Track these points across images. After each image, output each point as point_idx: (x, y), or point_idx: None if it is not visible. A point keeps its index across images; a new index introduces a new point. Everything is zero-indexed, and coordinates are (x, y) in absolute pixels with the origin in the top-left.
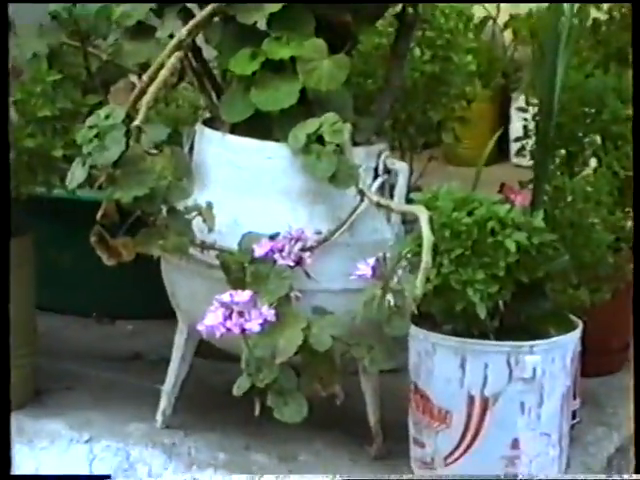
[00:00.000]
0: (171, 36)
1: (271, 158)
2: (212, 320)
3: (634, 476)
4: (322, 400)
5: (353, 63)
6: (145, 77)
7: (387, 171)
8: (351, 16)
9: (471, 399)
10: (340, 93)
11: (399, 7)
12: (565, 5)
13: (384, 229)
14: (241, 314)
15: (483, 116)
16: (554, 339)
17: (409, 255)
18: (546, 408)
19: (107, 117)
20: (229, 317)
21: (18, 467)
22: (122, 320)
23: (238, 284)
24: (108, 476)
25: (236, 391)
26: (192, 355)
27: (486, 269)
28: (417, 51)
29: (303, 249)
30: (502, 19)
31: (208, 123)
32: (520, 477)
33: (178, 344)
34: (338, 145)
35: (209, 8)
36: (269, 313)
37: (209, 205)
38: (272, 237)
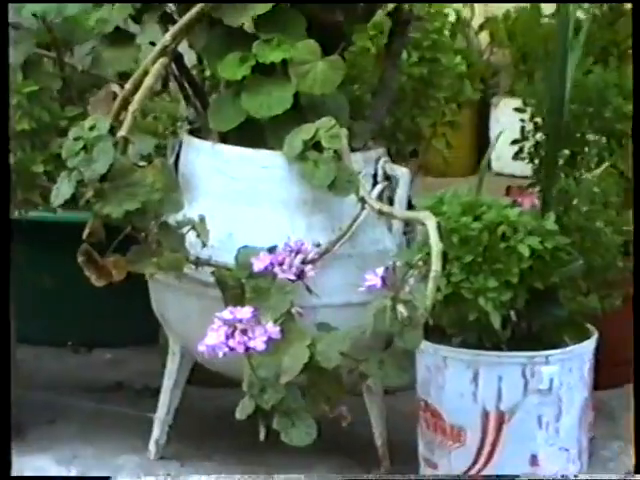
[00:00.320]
0: (152, 43)
1: (266, 167)
2: (214, 339)
3: (634, 476)
4: (324, 423)
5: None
6: (128, 85)
7: (386, 177)
8: (342, 15)
9: (486, 414)
10: (335, 96)
11: (392, 5)
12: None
13: (385, 239)
14: (244, 332)
15: (460, 123)
16: (570, 348)
17: (419, 263)
18: (564, 422)
19: (92, 128)
20: (232, 335)
21: None
22: (99, 348)
23: (235, 302)
24: (108, 477)
25: (239, 414)
26: (186, 380)
27: (499, 276)
28: (403, 54)
29: (304, 262)
30: (476, 22)
31: (194, 133)
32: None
33: (170, 369)
34: (336, 151)
35: (194, 11)
36: (274, 330)
37: (202, 219)
38: (270, 250)
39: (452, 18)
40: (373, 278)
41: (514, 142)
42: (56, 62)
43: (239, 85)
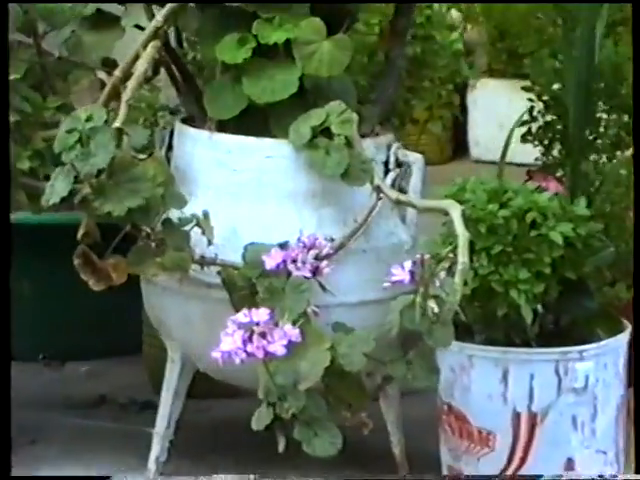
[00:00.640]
0: (137, 26)
1: (271, 157)
2: (229, 345)
3: (634, 476)
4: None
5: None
6: (117, 72)
7: (398, 164)
8: None
9: (517, 416)
10: (341, 79)
11: None
12: None
13: (399, 231)
14: (263, 335)
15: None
16: (605, 342)
17: (450, 255)
18: (601, 422)
19: (88, 119)
20: (249, 340)
21: None
22: (73, 362)
23: (244, 303)
24: (109, 477)
25: (256, 425)
26: (187, 390)
27: (530, 267)
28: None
29: (317, 258)
30: None
31: (186, 122)
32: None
33: (170, 379)
34: (347, 138)
35: None
36: (294, 333)
37: (206, 214)
38: (282, 246)
39: None
40: (401, 273)
41: (522, 123)
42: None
43: (238, 69)
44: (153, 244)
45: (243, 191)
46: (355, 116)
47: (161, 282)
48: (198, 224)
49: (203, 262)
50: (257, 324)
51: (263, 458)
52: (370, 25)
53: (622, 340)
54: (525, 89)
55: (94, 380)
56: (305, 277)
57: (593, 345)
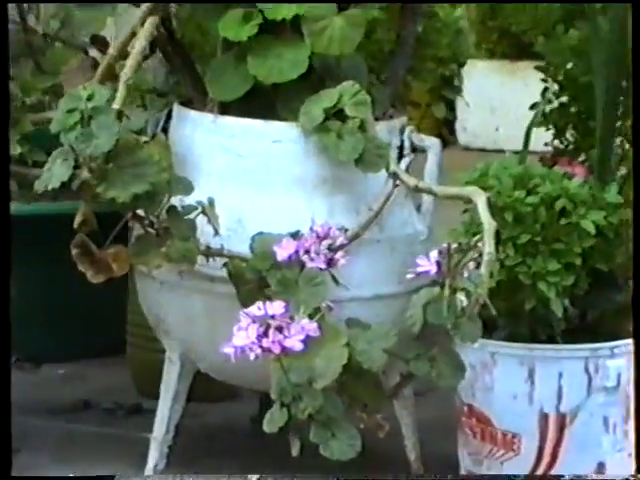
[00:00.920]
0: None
1: (278, 142)
2: (243, 339)
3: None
4: None
5: None
6: (112, 50)
7: (413, 149)
8: None
9: (544, 418)
10: (352, 58)
11: None
12: None
13: (414, 220)
14: (279, 329)
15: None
16: None
17: (479, 245)
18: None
19: (90, 98)
20: (265, 334)
21: None
22: (49, 364)
23: (252, 298)
24: (112, 477)
25: (268, 427)
26: (187, 392)
27: (559, 258)
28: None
29: (330, 248)
30: None
31: (185, 105)
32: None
33: (168, 380)
34: (361, 121)
35: None
36: (311, 327)
37: (211, 202)
38: (293, 236)
39: None
40: (426, 264)
41: (533, 106)
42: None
43: (243, 47)
44: (154, 233)
45: (248, 178)
46: (368, 97)
47: (159, 275)
48: (204, 212)
49: (209, 253)
50: (272, 317)
51: (264, 465)
52: None
53: None
54: (539, 69)
55: (73, 383)
56: (320, 269)
57: (625, 341)
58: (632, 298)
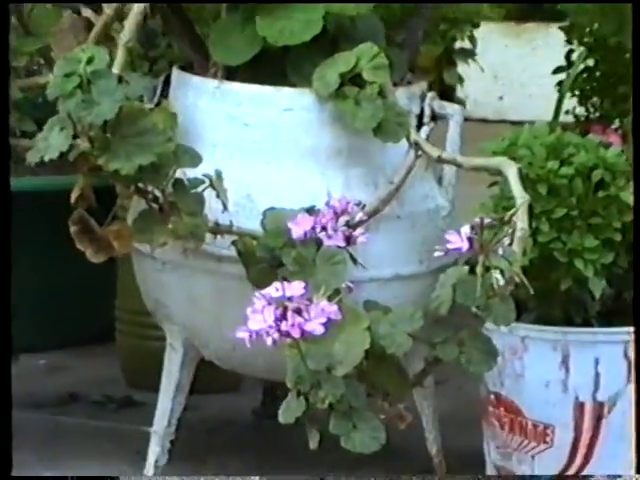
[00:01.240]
0: None
1: (290, 110)
2: (259, 323)
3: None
4: None
5: None
6: (108, 9)
7: (433, 117)
8: None
9: (580, 407)
10: (368, 18)
11: None
12: None
13: (436, 194)
14: (298, 312)
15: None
16: None
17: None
18: None
19: (89, 61)
20: (283, 317)
21: None
22: (29, 354)
23: (263, 278)
24: (116, 477)
25: (284, 418)
26: (190, 382)
27: (597, 233)
28: None
29: (348, 224)
30: None
31: (185, 70)
32: None
33: (170, 370)
34: (380, 86)
35: None
36: (332, 310)
37: (219, 174)
38: (309, 211)
39: None
40: (457, 240)
41: (557, 70)
42: None
43: (250, 7)
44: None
45: (257, 149)
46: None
47: (161, 255)
48: (212, 185)
49: (217, 230)
50: (289, 299)
51: (270, 461)
52: None
53: None
54: (563, 30)
55: (57, 375)
56: (339, 247)
57: None
58: (632, 298)
